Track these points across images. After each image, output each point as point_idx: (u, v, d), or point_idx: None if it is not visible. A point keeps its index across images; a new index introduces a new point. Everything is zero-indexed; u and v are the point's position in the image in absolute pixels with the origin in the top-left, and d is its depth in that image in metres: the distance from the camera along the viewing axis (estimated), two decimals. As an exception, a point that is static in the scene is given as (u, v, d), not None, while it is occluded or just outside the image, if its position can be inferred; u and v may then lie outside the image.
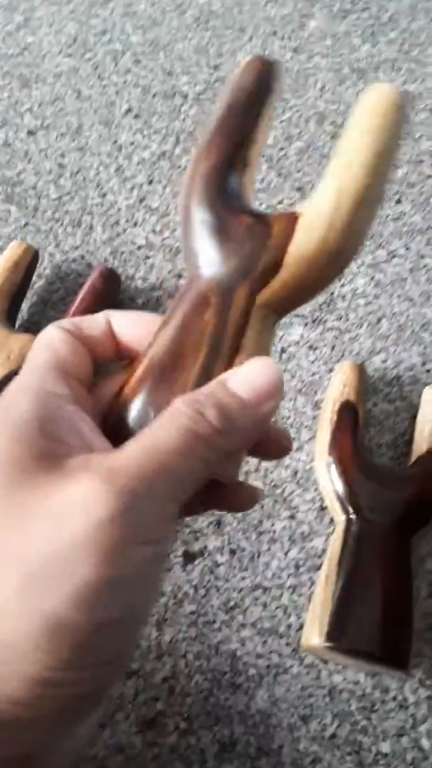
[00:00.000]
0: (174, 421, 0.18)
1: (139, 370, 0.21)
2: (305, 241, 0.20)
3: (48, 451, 0.18)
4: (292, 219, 0.21)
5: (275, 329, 0.22)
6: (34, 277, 0.46)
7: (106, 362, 0.23)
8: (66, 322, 0.22)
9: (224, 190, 0.22)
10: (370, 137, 0.20)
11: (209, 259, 0.21)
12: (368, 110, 0.21)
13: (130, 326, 0.22)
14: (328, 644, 0.31)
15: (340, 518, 0.36)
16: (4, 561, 0.17)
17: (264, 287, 0.21)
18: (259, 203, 0.50)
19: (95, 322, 0.22)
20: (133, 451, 0.18)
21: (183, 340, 0.21)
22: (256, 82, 0.24)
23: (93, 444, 0.19)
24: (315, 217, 0.20)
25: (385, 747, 0.32)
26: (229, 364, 0.20)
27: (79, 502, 0.17)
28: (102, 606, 0.17)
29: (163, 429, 0.18)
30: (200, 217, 0.22)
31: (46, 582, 0.16)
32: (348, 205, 0.20)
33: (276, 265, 0.21)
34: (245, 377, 0.20)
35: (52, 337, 0.21)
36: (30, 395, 0.19)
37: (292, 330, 0.44)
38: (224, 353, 0.20)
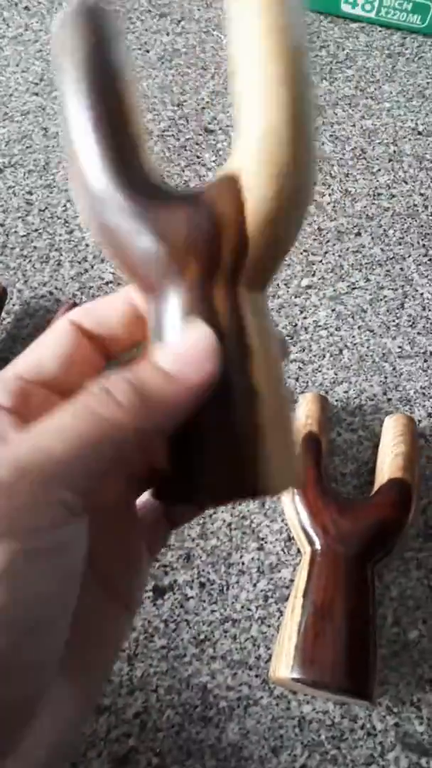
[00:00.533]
0: (74, 401, 0.16)
1: None
2: (262, 198, 0.17)
3: None
4: (232, 184, 0.17)
5: (266, 300, 0.19)
6: (3, 314, 0.46)
7: (128, 350, 0.20)
8: (80, 311, 0.20)
9: (138, 184, 0.17)
10: (267, 42, 0.16)
11: (162, 273, 0.17)
12: (253, 7, 0.16)
13: None
14: (294, 676, 0.31)
15: (306, 549, 0.36)
16: None
17: (239, 274, 0.17)
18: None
19: (111, 309, 0.20)
20: (17, 436, 0.16)
21: None
22: (90, 38, 0.18)
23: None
24: (259, 167, 0.17)
25: (355, 775, 0.33)
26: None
27: None
28: None
29: (57, 411, 0.16)
30: (127, 229, 0.17)
31: None
32: (287, 134, 0.16)
33: (243, 244, 0.17)
34: (169, 347, 0.17)
35: (49, 334, 0.20)
36: None
37: (257, 362, 0.45)
38: (236, 360, 0.17)
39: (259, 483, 0.18)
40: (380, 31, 0.66)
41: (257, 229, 0.17)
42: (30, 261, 0.49)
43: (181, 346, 0.17)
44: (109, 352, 0.20)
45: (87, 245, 0.50)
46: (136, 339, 0.20)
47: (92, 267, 0.49)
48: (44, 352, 0.19)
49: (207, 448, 0.17)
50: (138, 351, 0.20)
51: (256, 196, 0.17)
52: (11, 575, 0.14)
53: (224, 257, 0.17)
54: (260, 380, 0.18)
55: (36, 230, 0.51)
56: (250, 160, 0.17)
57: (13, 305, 0.47)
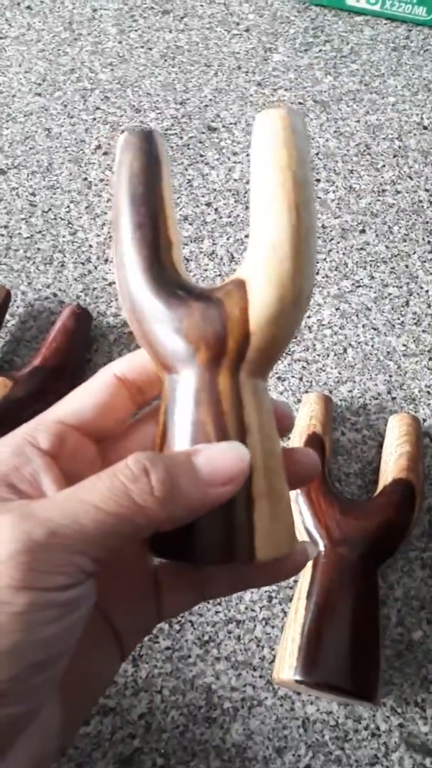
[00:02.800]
0: (111, 473, 0.18)
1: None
2: (263, 304, 0.20)
3: None
4: (240, 288, 0.20)
5: (266, 386, 0.22)
6: (7, 316, 0.46)
7: (157, 396, 0.23)
8: (124, 363, 0.23)
9: (166, 283, 0.21)
10: (279, 175, 0.20)
11: (179, 357, 0.21)
12: (267, 145, 0.20)
13: None
14: (297, 678, 0.31)
15: (309, 550, 0.36)
16: None
17: (241, 362, 0.20)
18: (227, 237, 0.51)
19: (149, 360, 0.22)
20: (57, 496, 0.18)
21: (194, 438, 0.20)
22: (142, 160, 0.22)
23: (47, 493, 0.19)
24: (263, 277, 0.20)
25: (359, 775, 0.33)
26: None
27: None
28: None
29: (96, 479, 0.18)
30: (155, 316, 0.21)
31: None
32: (288, 252, 0.20)
33: (245, 338, 0.20)
34: (212, 455, 0.19)
35: (93, 383, 0.22)
36: (9, 445, 0.20)
37: (261, 362, 0.45)
38: (234, 436, 0.20)
39: (251, 550, 0.20)
40: (385, 24, 0.65)
41: (258, 327, 0.20)
42: (34, 263, 0.49)
43: (223, 462, 0.19)
44: (144, 397, 0.23)
45: (90, 246, 0.50)
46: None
47: (96, 268, 0.49)
48: (86, 401, 0.22)
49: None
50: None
51: (259, 300, 0.20)
52: (26, 621, 0.16)
53: (229, 348, 0.20)
54: (255, 455, 0.20)
55: (39, 232, 0.51)
56: (256, 269, 0.20)
57: (17, 307, 0.47)
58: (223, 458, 0.19)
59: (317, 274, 0.49)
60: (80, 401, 0.21)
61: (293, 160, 0.20)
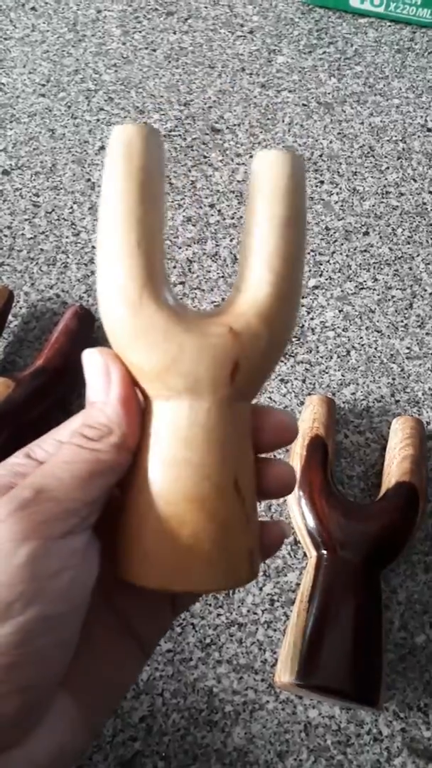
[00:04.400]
0: (64, 448, 0.20)
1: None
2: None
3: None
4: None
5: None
6: (10, 317, 0.46)
7: None
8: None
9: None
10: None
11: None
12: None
13: None
14: (299, 682, 0.31)
15: (312, 553, 0.36)
16: None
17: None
18: (231, 239, 0.50)
19: None
20: (32, 475, 0.20)
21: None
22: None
23: None
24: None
25: (361, 780, 0.33)
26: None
27: None
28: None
29: (64, 449, 0.20)
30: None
31: None
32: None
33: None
34: (88, 385, 0.21)
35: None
36: (15, 456, 0.22)
37: (263, 364, 0.45)
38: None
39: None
40: (389, 26, 0.65)
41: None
42: (37, 263, 0.49)
43: (117, 406, 0.21)
44: None
45: (93, 247, 0.50)
46: None
47: (99, 269, 0.49)
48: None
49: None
50: None
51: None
52: (30, 572, 0.17)
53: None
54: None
55: (43, 233, 0.51)
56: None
57: (20, 308, 0.47)
58: (94, 378, 0.21)
59: (320, 275, 0.49)
60: (74, 422, 0.22)
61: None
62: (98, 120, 0.57)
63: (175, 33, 0.64)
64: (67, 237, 0.50)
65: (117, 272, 0.20)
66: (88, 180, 0.53)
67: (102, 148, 0.55)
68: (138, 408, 0.21)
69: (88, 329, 0.45)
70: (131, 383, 0.21)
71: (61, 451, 0.20)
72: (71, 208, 0.52)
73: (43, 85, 0.59)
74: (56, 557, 0.18)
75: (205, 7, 0.66)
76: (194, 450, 0.20)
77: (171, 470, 0.20)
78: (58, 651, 0.19)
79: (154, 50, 0.62)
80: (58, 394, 0.42)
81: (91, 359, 0.21)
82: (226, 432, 0.20)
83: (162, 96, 0.59)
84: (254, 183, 0.21)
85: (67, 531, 0.18)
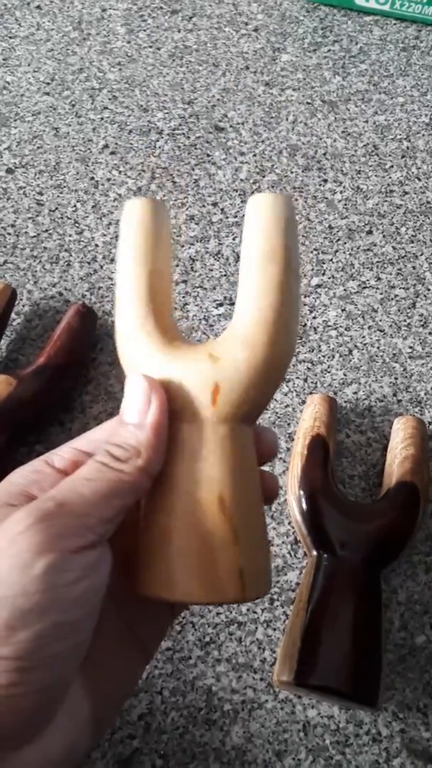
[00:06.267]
0: (90, 464, 0.21)
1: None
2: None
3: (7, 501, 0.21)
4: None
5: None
6: (13, 315, 0.46)
7: None
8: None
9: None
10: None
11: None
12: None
13: None
14: (296, 681, 0.31)
15: (312, 553, 0.36)
16: None
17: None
18: (233, 237, 0.50)
19: None
20: (55, 488, 0.21)
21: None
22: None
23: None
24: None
25: (359, 780, 0.33)
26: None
27: (4, 527, 0.19)
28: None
29: (87, 467, 0.21)
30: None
31: None
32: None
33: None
34: (126, 405, 0.22)
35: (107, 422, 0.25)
36: (29, 464, 0.23)
37: (265, 363, 0.45)
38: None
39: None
40: (394, 24, 0.65)
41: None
42: (40, 262, 0.49)
43: (132, 399, 0.22)
44: None
45: (97, 246, 0.50)
46: None
47: (101, 267, 0.49)
48: (99, 433, 0.24)
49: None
50: None
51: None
52: (47, 582, 0.18)
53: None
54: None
55: (46, 231, 0.50)
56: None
57: (23, 306, 0.47)
58: (129, 398, 0.22)
59: (323, 274, 0.49)
60: (94, 433, 0.24)
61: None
62: (102, 118, 0.57)
63: (179, 31, 0.64)
64: (70, 235, 0.50)
65: (126, 319, 0.23)
66: (92, 178, 0.53)
67: (106, 146, 0.55)
68: (166, 441, 0.22)
69: (90, 327, 0.44)
70: (167, 412, 0.22)
71: (85, 467, 0.21)
72: (75, 206, 0.52)
73: (48, 84, 0.59)
74: (72, 569, 0.19)
75: (210, 6, 0.66)
76: (177, 466, 0.22)
77: (161, 485, 0.22)
78: (72, 654, 0.20)
79: (159, 49, 0.62)
80: (60, 392, 0.42)
81: (136, 382, 0.22)
82: (210, 451, 0.21)
83: (166, 94, 0.59)
84: (245, 224, 0.23)
85: (84, 546, 0.19)
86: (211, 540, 0.21)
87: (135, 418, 0.22)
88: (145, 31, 0.64)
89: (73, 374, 0.43)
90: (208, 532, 0.21)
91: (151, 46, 0.62)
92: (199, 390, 0.22)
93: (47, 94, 0.59)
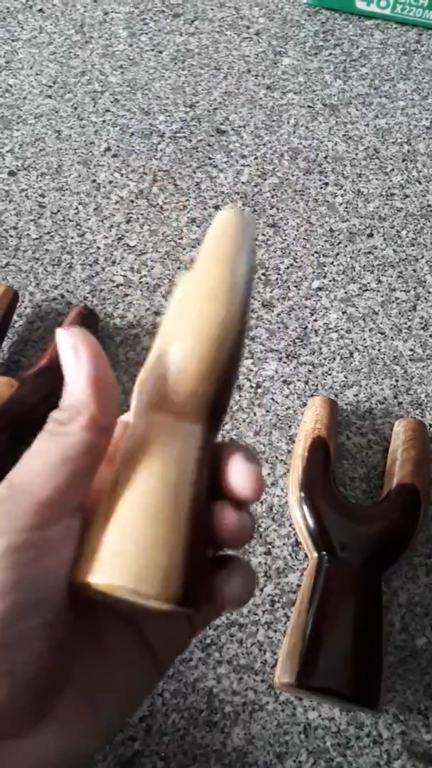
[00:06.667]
0: (38, 437, 0.21)
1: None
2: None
3: None
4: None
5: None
6: (15, 317, 0.46)
7: None
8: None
9: None
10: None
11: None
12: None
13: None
14: (297, 683, 0.31)
15: (313, 554, 0.36)
16: None
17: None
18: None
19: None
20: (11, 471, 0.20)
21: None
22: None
23: None
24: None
25: (360, 782, 0.33)
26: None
27: None
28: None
29: (35, 442, 0.21)
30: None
31: None
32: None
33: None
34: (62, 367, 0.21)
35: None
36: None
37: (266, 365, 0.45)
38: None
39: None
40: (395, 27, 0.65)
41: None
42: (42, 264, 0.49)
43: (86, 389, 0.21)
44: None
45: (98, 248, 0.50)
46: None
47: (103, 270, 0.49)
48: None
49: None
50: None
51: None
52: (7, 559, 0.18)
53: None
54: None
55: (48, 233, 0.51)
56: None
57: (25, 308, 0.47)
58: (63, 358, 0.21)
59: (324, 277, 0.49)
60: None
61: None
62: (104, 121, 0.57)
63: (181, 35, 0.64)
64: (72, 238, 0.50)
65: None
66: (94, 181, 0.53)
67: (108, 149, 0.55)
68: (114, 388, 0.21)
69: (92, 330, 0.45)
70: (103, 363, 0.20)
71: (35, 441, 0.20)
72: (76, 209, 0.52)
73: (50, 87, 0.59)
74: (32, 548, 0.19)
75: (212, 9, 0.66)
76: (119, 455, 0.21)
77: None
78: (41, 633, 0.19)
79: (161, 52, 0.62)
80: (61, 394, 0.42)
81: (61, 339, 0.21)
82: (144, 445, 0.21)
83: (168, 98, 0.59)
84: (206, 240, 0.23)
85: (43, 521, 0.19)
86: (127, 530, 0.20)
87: (68, 376, 0.20)
88: (147, 34, 0.64)
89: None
90: (98, 513, 0.20)
91: (152, 50, 0.62)
92: (139, 384, 0.22)
93: (49, 97, 0.59)
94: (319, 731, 0.34)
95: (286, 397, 0.44)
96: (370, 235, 0.51)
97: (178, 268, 0.49)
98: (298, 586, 0.37)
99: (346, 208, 0.52)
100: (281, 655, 0.34)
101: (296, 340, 0.46)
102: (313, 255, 0.50)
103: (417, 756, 0.33)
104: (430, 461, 0.40)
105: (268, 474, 0.41)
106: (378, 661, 0.32)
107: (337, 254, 0.50)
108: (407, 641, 0.36)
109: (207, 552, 0.22)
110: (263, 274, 0.49)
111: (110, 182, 0.53)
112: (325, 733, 0.34)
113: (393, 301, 0.48)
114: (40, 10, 0.66)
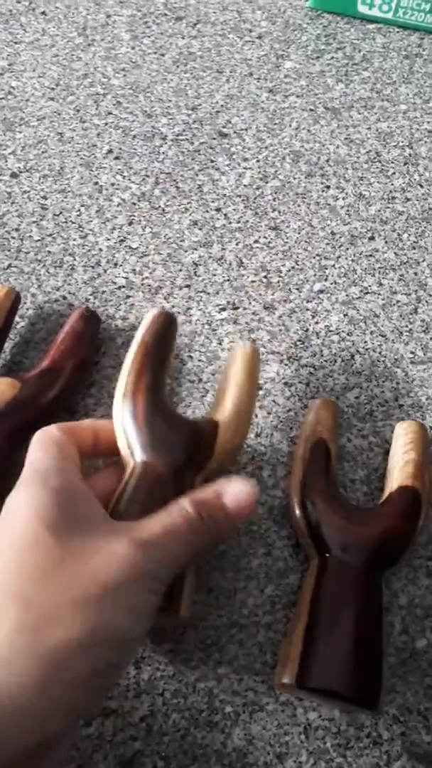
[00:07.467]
0: (181, 514, 0.29)
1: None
2: (224, 440, 0.35)
3: (75, 514, 0.28)
4: (214, 425, 0.35)
5: None
6: (17, 318, 0.47)
7: (92, 459, 0.35)
8: (63, 426, 0.33)
9: (162, 411, 0.35)
10: (248, 384, 0.37)
11: (161, 456, 0.33)
12: (242, 366, 0.38)
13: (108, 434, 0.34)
14: (297, 684, 0.31)
15: (313, 556, 0.36)
16: (59, 590, 0.25)
17: (201, 470, 0.34)
18: (236, 243, 0.51)
19: (84, 431, 0.33)
20: (153, 529, 0.28)
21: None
22: (162, 330, 0.38)
23: (99, 512, 0.29)
24: (228, 425, 0.35)
25: (360, 783, 0.33)
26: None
27: (119, 560, 0.26)
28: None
29: (173, 517, 0.29)
30: (148, 432, 0.34)
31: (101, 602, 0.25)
32: (243, 417, 0.36)
33: (209, 456, 0.34)
34: (234, 494, 0.30)
35: (59, 436, 0.32)
36: (58, 475, 0.29)
37: (268, 367, 0.45)
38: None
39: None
40: (397, 32, 0.66)
41: (218, 453, 0.34)
42: (44, 265, 0.50)
43: (242, 496, 0.30)
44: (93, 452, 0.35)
45: (100, 250, 0.50)
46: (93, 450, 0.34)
47: (105, 272, 0.49)
48: None
49: None
50: (98, 462, 0.39)
51: (221, 440, 0.35)
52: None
53: (197, 460, 0.34)
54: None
55: (50, 235, 0.51)
56: (226, 423, 0.35)
57: (27, 309, 0.48)
58: (241, 493, 0.30)
59: (326, 280, 0.49)
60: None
61: (256, 376, 0.38)
62: (106, 124, 0.58)
63: (183, 38, 0.65)
64: (74, 239, 0.51)
65: None
66: (96, 183, 0.54)
67: (110, 151, 0.56)
68: None
69: (94, 331, 0.45)
70: None
71: (175, 518, 0.30)
72: (79, 210, 0.52)
73: (53, 89, 0.60)
74: (136, 613, 0.28)
75: (214, 13, 0.67)
76: None
77: None
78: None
79: (163, 55, 0.63)
80: (63, 396, 0.43)
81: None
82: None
83: (170, 100, 0.60)
84: (229, 360, 0.39)
85: (149, 605, 0.28)
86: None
87: (233, 506, 0.31)
88: (149, 37, 0.65)
89: (77, 378, 0.43)
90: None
91: (155, 53, 0.63)
92: (202, 457, 0.35)
93: (52, 99, 0.59)
94: (319, 732, 0.34)
95: (288, 399, 0.44)
96: (372, 239, 0.51)
97: (180, 270, 0.49)
98: (299, 587, 0.38)
99: (348, 211, 0.53)
100: (281, 656, 0.34)
101: (297, 343, 0.46)
102: (314, 258, 0.50)
103: (417, 757, 0.34)
104: (430, 463, 0.40)
105: (269, 476, 0.41)
106: (378, 662, 0.32)
107: (339, 257, 0.50)
108: (407, 643, 0.37)
109: None
110: (265, 277, 0.49)
111: (112, 184, 0.54)
112: (325, 733, 0.34)
113: (394, 304, 0.48)
114: (43, 13, 0.66)
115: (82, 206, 0.53)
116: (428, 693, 0.35)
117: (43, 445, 0.31)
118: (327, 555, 0.36)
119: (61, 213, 0.52)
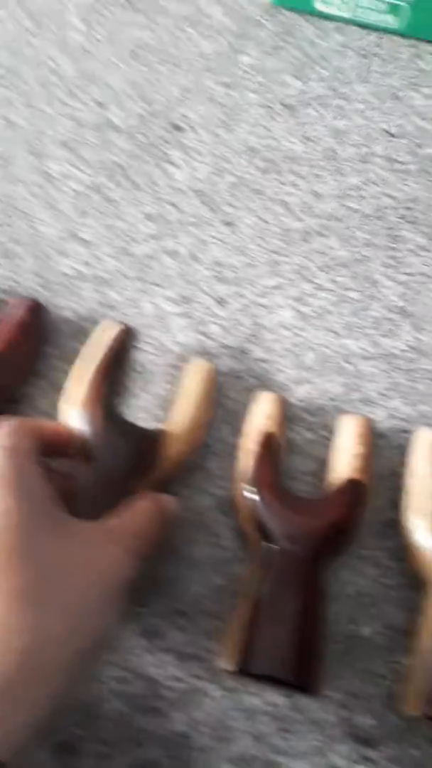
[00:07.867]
0: (140, 506, 0.37)
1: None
2: (175, 449, 0.42)
3: (54, 513, 0.33)
4: (164, 434, 0.42)
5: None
6: (-39, 308, 0.50)
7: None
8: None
9: (115, 420, 0.42)
10: (203, 398, 0.45)
11: (112, 461, 0.40)
12: (198, 378, 0.46)
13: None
14: (237, 669, 0.35)
15: (259, 546, 0.40)
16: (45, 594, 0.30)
17: (148, 476, 0.40)
18: (190, 237, 0.55)
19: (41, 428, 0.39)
20: (118, 523, 0.35)
21: None
22: (118, 341, 0.47)
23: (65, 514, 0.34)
24: (180, 436, 0.43)
25: (301, 767, 0.36)
26: None
27: (110, 564, 0.33)
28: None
29: (132, 511, 0.37)
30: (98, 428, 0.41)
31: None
32: (196, 428, 0.44)
33: (155, 464, 0.41)
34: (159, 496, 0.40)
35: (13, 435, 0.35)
36: (34, 475, 0.34)
37: (219, 361, 0.49)
38: None
39: None
40: (356, 31, 0.71)
41: (167, 462, 0.42)
42: (-10, 255, 0.53)
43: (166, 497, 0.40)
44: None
45: (50, 241, 0.54)
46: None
47: (54, 262, 0.53)
48: None
49: None
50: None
51: (171, 448, 0.42)
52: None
53: (146, 467, 0.41)
54: None
55: (-3, 224, 0.54)
56: (176, 433, 0.43)
57: (-28, 299, 0.50)
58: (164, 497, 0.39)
59: (278, 275, 0.54)
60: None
61: (213, 389, 0.47)
62: (58, 113, 0.61)
63: (140, 29, 0.69)
64: (21, 229, 0.54)
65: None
66: (45, 172, 0.57)
67: (61, 141, 0.59)
68: None
69: (41, 322, 0.48)
70: None
71: (137, 506, 0.39)
72: (27, 200, 0.56)
73: (3, 76, 0.63)
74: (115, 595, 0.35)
75: (172, 5, 0.71)
76: None
77: None
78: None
79: (118, 45, 0.67)
80: (8, 386, 0.46)
81: None
82: None
83: (125, 91, 0.64)
84: (185, 373, 0.47)
85: (124, 569, 0.35)
86: None
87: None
88: (104, 26, 0.68)
89: (23, 369, 0.46)
90: None
91: (109, 42, 0.67)
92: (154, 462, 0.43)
93: (2, 86, 0.63)
94: (262, 716, 0.37)
95: (239, 392, 0.48)
96: (325, 236, 0.56)
97: (132, 262, 0.53)
98: (244, 577, 0.41)
99: (302, 208, 0.57)
100: (225, 643, 0.37)
101: (250, 337, 0.50)
102: (268, 253, 0.55)
103: (359, 740, 0.37)
104: (376, 457, 0.45)
105: (217, 467, 0.45)
106: (320, 648, 0.36)
107: (292, 253, 0.55)
108: (354, 631, 0.40)
109: None
110: (218, 272, 0.53)
111: (63, 174, 0.57)
112: (268, 718, 0.37)
113: (346, 301, 0.53)
114: (-7, -3, 0.70)
115: (31, 195, 0.56)
116: (372, 678, 0.39)
117: (19, 438, 0.35)
118: (273, 546, 0.40)
119: (8, 202, 0.55)
